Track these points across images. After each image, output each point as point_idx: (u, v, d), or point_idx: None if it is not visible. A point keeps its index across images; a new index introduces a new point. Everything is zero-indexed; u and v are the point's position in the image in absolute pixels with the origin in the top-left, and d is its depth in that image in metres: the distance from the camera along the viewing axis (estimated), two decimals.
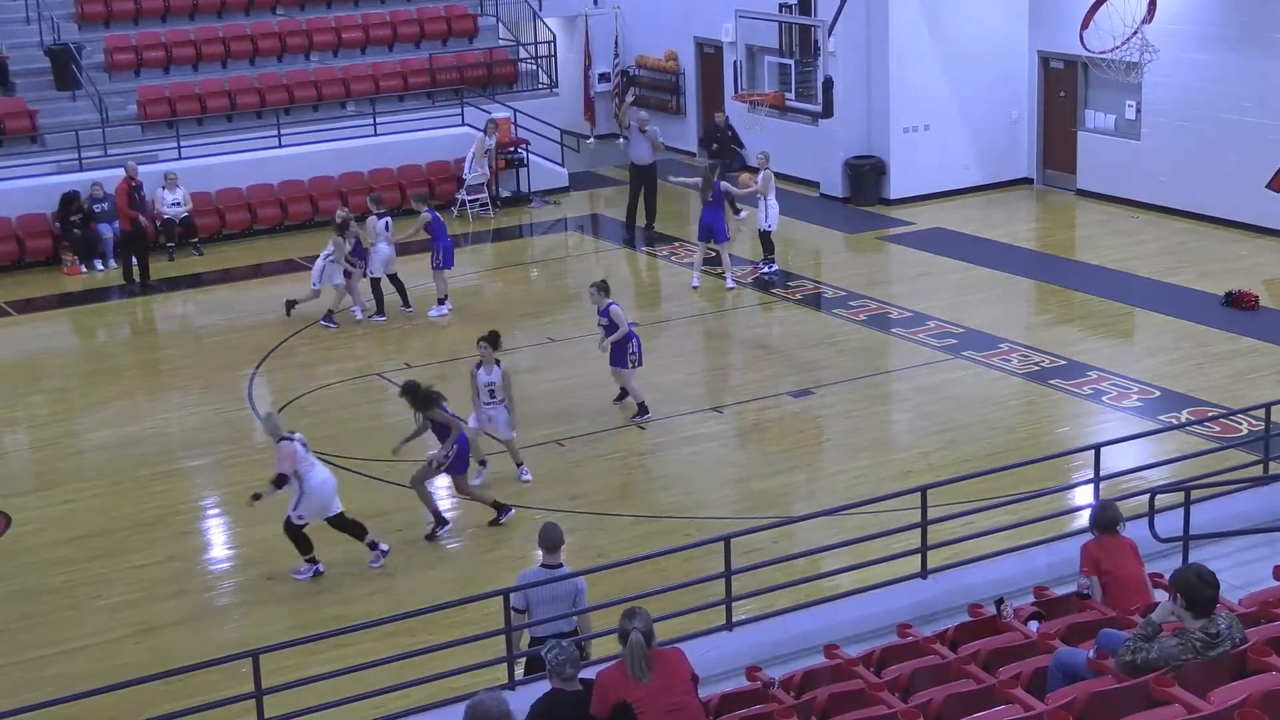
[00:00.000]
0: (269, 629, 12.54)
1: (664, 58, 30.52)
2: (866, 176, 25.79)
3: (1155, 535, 11.70)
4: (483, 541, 14.25)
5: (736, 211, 24.54)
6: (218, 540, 14.74)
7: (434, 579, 13.53)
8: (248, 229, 25.31)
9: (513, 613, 10.67)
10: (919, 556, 11.85)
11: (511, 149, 27.01)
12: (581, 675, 8.55)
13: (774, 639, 11.12)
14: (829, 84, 23.34)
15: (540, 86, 29.28)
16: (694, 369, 18.87)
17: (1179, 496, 12.20)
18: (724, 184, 21.29)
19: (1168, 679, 8.25)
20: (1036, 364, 18.02)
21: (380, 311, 20.60)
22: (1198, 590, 8.49)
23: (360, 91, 27.51)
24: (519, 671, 10.75)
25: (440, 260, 20.50)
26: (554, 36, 29.99)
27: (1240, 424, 15.51)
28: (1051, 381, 17.47)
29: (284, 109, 26.58)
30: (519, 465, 15.41)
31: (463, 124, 27.24)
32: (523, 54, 29.65)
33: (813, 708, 8.95)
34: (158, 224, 23.99)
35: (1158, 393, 16.94)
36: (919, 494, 11.91)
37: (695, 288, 21.40)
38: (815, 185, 26.44)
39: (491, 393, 15.01)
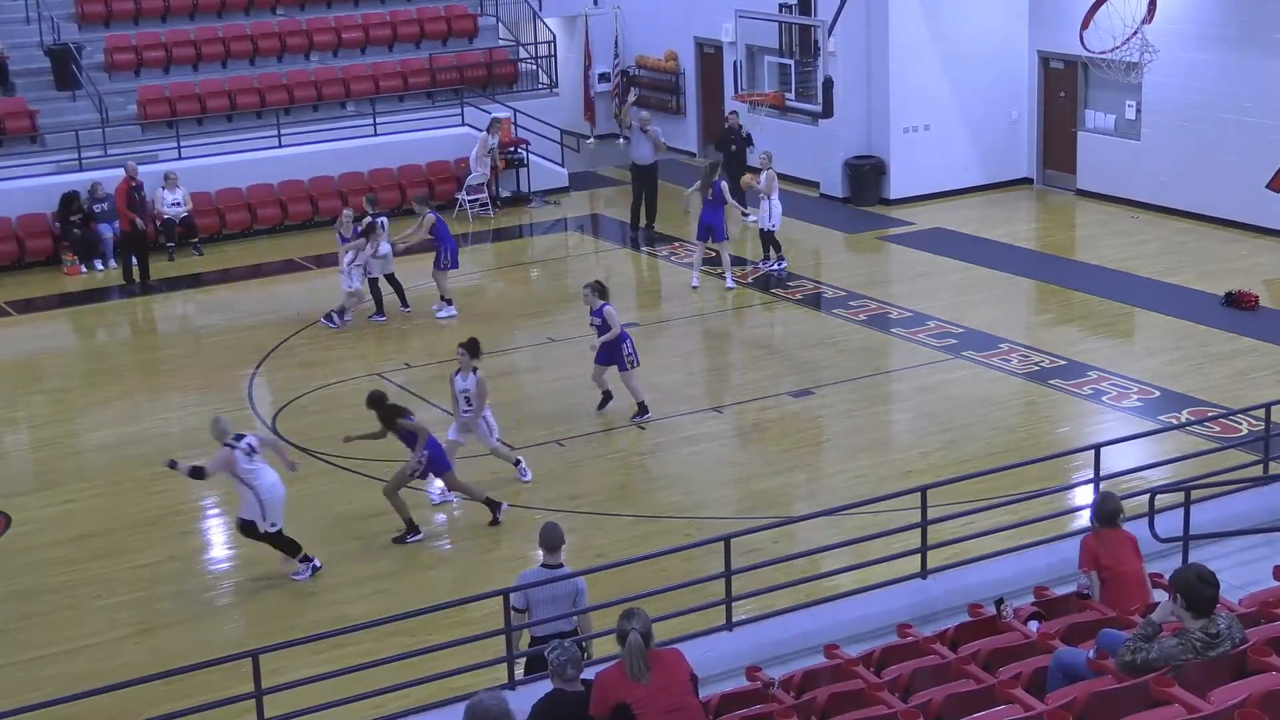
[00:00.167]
0: (269, 629, 12.54)
1: (664, 58, 30.53)
2: (866, 176, 25.80)
3: (1155, 535, 11.70)
4: (483, 541, 14.25)
5: (745, 214, 24.55)
6: (218, 540, 14.74)
7: (434, 579, 13.53)
8: (248, 229, 25.31)
9: (513, 612, 10.67)
10: (919, 556, 11.85)
11: (511, 149, 27.01)
12: (583, 675, 8.55)
13: (774, 639, 11.12)
14: (829, 84, 23.34)
15: (540, 86, 29.29)
16: (694, 369, 18.87)
17: (1179, 496, 12.20)
18: (723, 184, 21.27)
19: (1168, 679, 8.25)
20: (1036, 364, 18.02)
21: (380, 312, 20.59)
22: (1198, 590, 8.49)
23: (360, 91, 27.51)
24: (519, 671, 10.75)
25: (448, 260, 20.49)
26: (554, 36, 30.00)
27: (1240, 424, 15.51)
28: (1051, 381, 17.47)
29: (284, 109, 26.59)
30: (517, 465, 15.38)
31: (463, 124, 27.25)
32: (523, 54, 29.66)
33: (813, 708, 8.95)
34: (158, 224, 24.00)
35: (1158, 393, 16.94)
36: (919, 494, 11.91)
37: (695, 288, 21.41)
38: (815, 185, 26.44)
39: (468, 400, 14.90)
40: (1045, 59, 25.82)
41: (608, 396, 16.87)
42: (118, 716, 11.00)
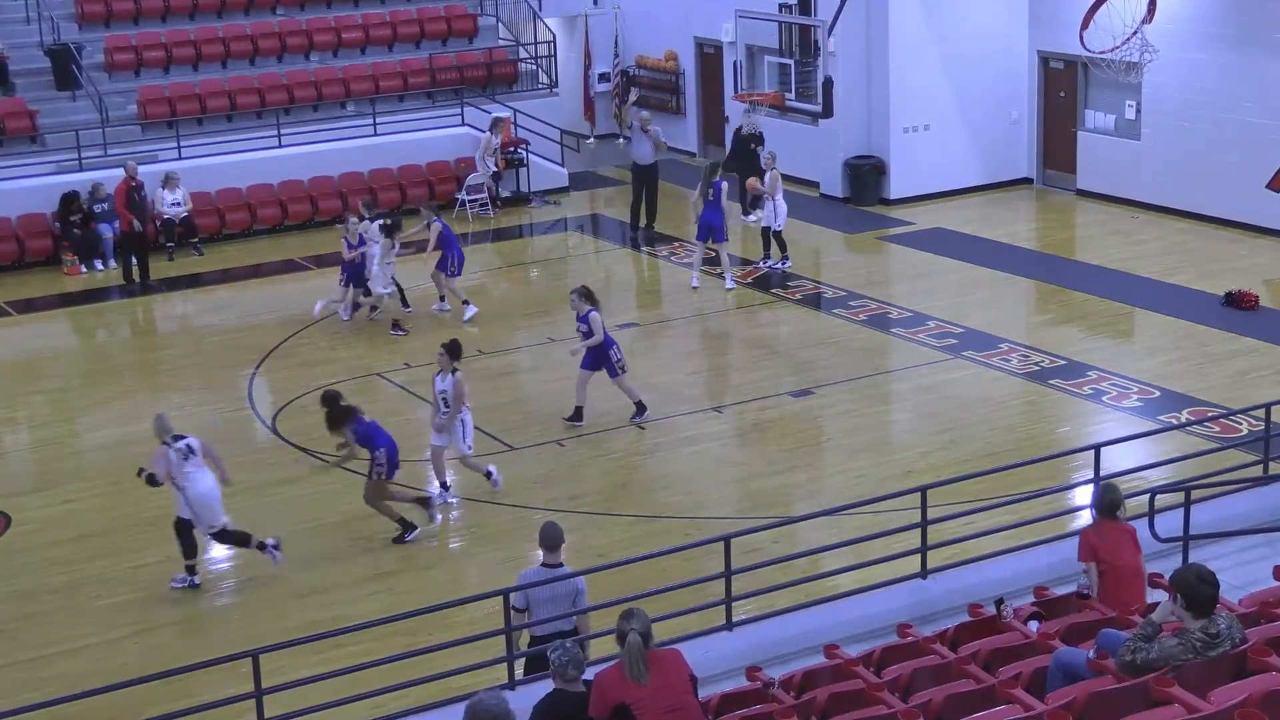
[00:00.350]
0: (269, 629, 12.54)
1: (664, 58, 30.53)
2: (866, 176, 25.80)
3: (1155, 535, 11.69)
4: (483, 541, 14.25)
5: (746, 213, 24.55)
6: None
7: (434, 579, 13.53)
8: (248, 229, 25.31)
9: (513, 612, 10.66)
10: (919, 556, 11.86)
11: (511, 149, 27.00)
12: (585, 676, 8.55)
13: (774, 639, 11.12)
14: (829, 84, 23.33)
15: (540, 86, 29.29)
16: (694, 369, 18.87)
17: (1179, 496, 12.19)
18: (723, 184, 21.24)
19: (1168, 679, 8.25)
20: (1036, 364, 18.02)
21: (374, 310, 20.53)
22: (1198, 590, 8.49)
23: (360, 91, 27.51)
24: (519, 671, 10.75)
25: (455, 267, 20.40)
26: (554, 36, 29.99)
27: (1240, 424, 15.51)
28: (1051, 381, 17.47)
29: (284, 109, 26.59)
30: (488, 476, 15.01)
31: (463, 124, 27.25)
32: (523, 54, 29.65)
33: (813, 708, 8.95)
34: (158, 224, 24.00)
35: (1158, 393, 16.94)
36: (919, 494, 11.91)
37: (695, 288, 21.40)
38: (815, 185, 26.44)
39: (445, 401, 14.75)
40: (1045, 59, 25.82)
41: (579, 412, 16.61)
42: (118, 716, 11.00)
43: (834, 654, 9.76)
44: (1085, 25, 22.64)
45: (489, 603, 11.61)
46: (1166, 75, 23.06)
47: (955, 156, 25.92)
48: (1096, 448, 12.92)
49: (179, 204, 24.20)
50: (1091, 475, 12.83)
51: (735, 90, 25.54)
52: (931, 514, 11.89)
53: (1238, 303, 19.59)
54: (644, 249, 24.17)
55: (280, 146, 25.77)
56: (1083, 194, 25.42)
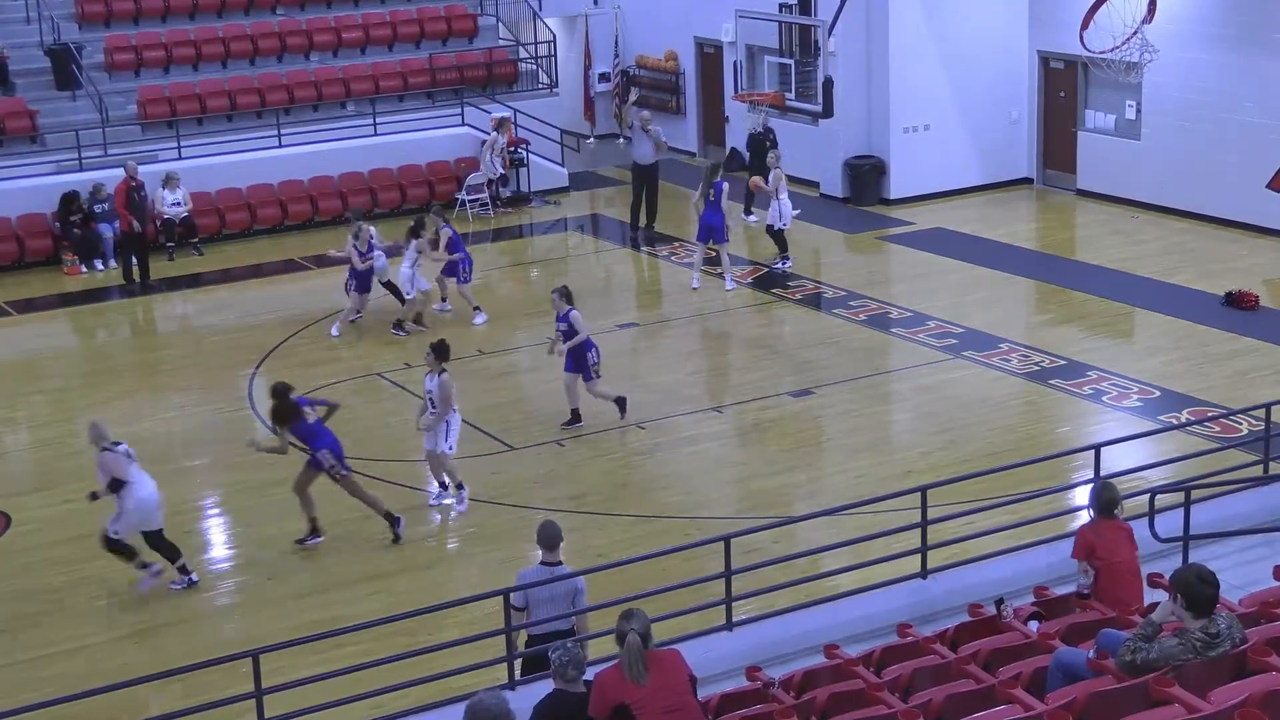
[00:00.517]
0: (269, 629, 12.54)
1: (664, 58, 30.53)
2: (866, 176, 25.80)
3: (1155, 535, 11.70)
4: (483, 541, 14.25)
5: (748, 213, 24.53)
6: (218, 540, 14.75)
7: (434, 579, 13.53)
8: (248, 229, 25.31)
9: (512, 611, 10.65)
10: (919, 556, 11.86)
11: (512, 149, 27.00)
12: (585, 676, 8.55)
13: (774, 639, 11.12)
14: (829, 84, 23.34)
15: (540, 86, 29.29)
16: (694, 369, 18.87)
17: (1179, 496, 12.20)
18: (724, 185, 21.22)
19: (1168, 679, 8.25)
20: (1036, 364, 18.02)
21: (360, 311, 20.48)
22: (1198, 590, 8.49)
23: (360, 91, 27.52)
24: (517, 672, 10.74)
25: (467, 273, 20.27)
26: (554, 36, 30.00)
27: (1240, 424, 15.51)
28: (1051, 381, 17.47)
29: (284, 109, 26.59)
30: (458, 488, 14.77)
31: (463, 124, 27.26)
32: (523, 54, 29.66)
33: (813, 708, 8.95)
34: (158, 224, 24.01)
35: (1158, 393, 16.94)
36: (919, 494, 11.91)
37: (695, 288, 21.40)
38: (815, 185, 26.43)
39: (432, 402, 14.70)
40: (1045, 59, 25.82)
41: (575, 414, 16.59)
42: (118, 716, 11.00)
43: (834, 654, 9.76)
44: (1085, 25, 22.65)
45: (489, 603, 11.61)
46: (1167, 75, 23.06)
47: (955, 156, 25.92)
48: (1097, 448, 12.93)
49: (179, 204, 24.20)
50: (1092, 475, 12.83)
51: (735, 90, 25.56)
52: (931, 514, 11.89)
53: (1238, 303, 19.59)
54: (644, 249, 24.17)
55: (280, 146, 25.77)
56: (1083, 194, 25.42)
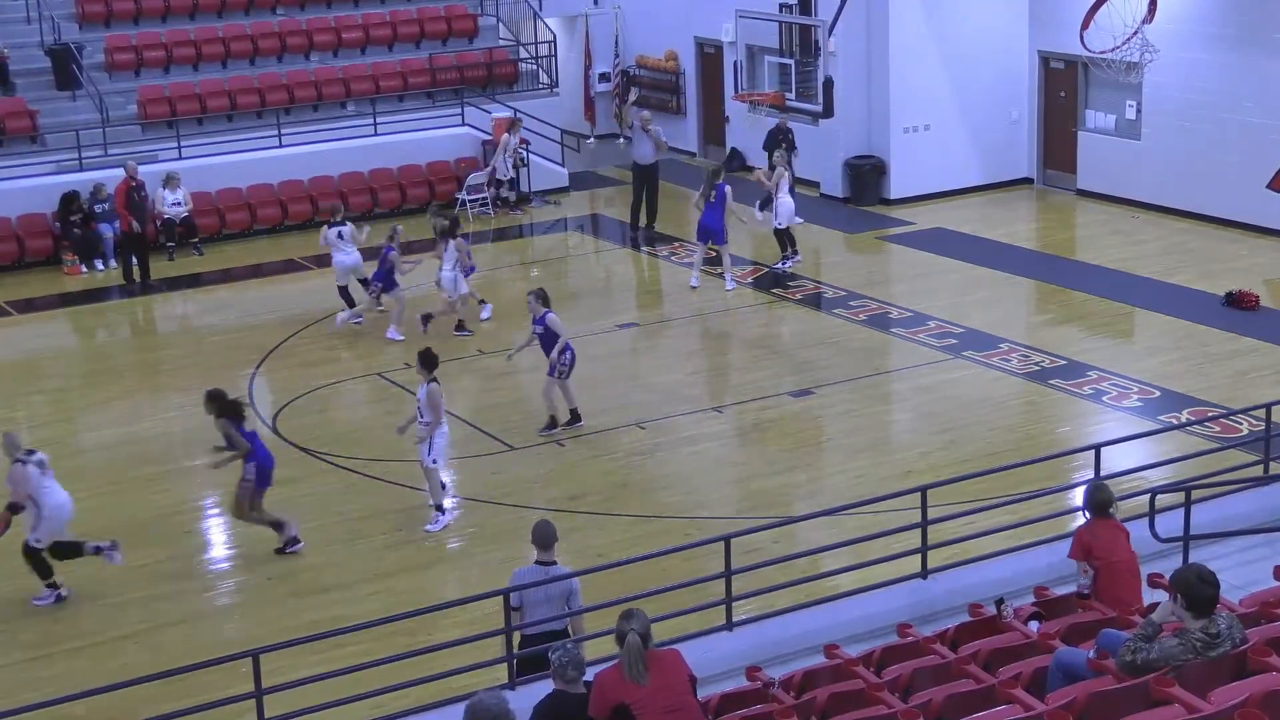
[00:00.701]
0: (269, 629, 12.54)
1: (664, 58, 30.53)
2: (867, 176, 25.80)
3: (1156, 535, 11.70)
4: (483, 541, 14.24)
5: (746, 219, 24.49)
6: (218, 540, 14.74)
7: (433, 579, 13.53)
8: (248, 229, 25.31)
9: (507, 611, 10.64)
10: (919, 556, 11.85)
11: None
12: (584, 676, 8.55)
13: (774, 639, 11.11)
14: (829, 84, 23.33)
15: (540, 86, 29.30)
16: (694, 369, 18.87)
17: (1179, 496, 12.19)
18: (726, 188, 21.17)
19: (1168, 679, 8.24)
20: (1037, 364, 18.01)
21: (357, 313, 20.40)
22: (1198, 590, 8.48)
23: (360, 91, 27.52)
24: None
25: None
26: (554, 36, 30.00)
27: (1240, 424, 15.51)
28: (1052, 381, 17.47)
29: (284, 109, 26.59)
30: (436, 509, 14.49)
31: (463, 124, 27.26)
32: (523, 54, 29.67)
33: (813, 708, 8.95)
34: (158, 224, 24.01)
35: (1158, 393, 16.94)
36: (919, 494, 11.91)
37: (695, 288, 21.40)
38: (815, 185, 26.43)
39: (420, 412, 14.52)
40: (1045, 59, 25.82)
41: (574, 414, 16.52)
42: (118, 716, 11.00)
43: (834, 654, 9.76)
44: (1085, 25, 22.64)
45: (488, 603, 11.61)
46: (1167, 75, 23.06)
47: (955, 156, 25.92)
48: (1097, 448, 12.93)
49: (179, 204, 24.20)
50: (1092, 475, 12.82)
51: (735, 90, 25.55)
52: (932, 514, 11.88)
53: (1238, 303, 19.58)
54: (644, 249, 24.17)
55: (280, 146, 25.78)
56: (1083, 194, 25.42)
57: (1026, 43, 25.89)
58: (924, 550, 11.83)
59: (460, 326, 19.73)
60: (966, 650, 9.45)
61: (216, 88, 26.76)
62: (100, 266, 23.77)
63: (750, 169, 25.88)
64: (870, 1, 25.13)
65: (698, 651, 10.02)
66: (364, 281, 20.41)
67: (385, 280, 19.91)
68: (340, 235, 20.32)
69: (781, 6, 26.71)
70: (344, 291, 20.48)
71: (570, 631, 10.59)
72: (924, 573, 11.80)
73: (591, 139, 31.10)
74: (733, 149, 28.83)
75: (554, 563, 10.74)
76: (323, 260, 23.02)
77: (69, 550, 13.36)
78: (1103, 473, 12.82)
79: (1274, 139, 22.45)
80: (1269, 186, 22.59)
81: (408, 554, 13.98)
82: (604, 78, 31.57)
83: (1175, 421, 15.99)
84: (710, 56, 29.63)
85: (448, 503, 14.73)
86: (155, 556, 14.05)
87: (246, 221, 25.30)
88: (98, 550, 13.37)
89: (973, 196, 25.86)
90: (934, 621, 10.95)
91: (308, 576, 13.63)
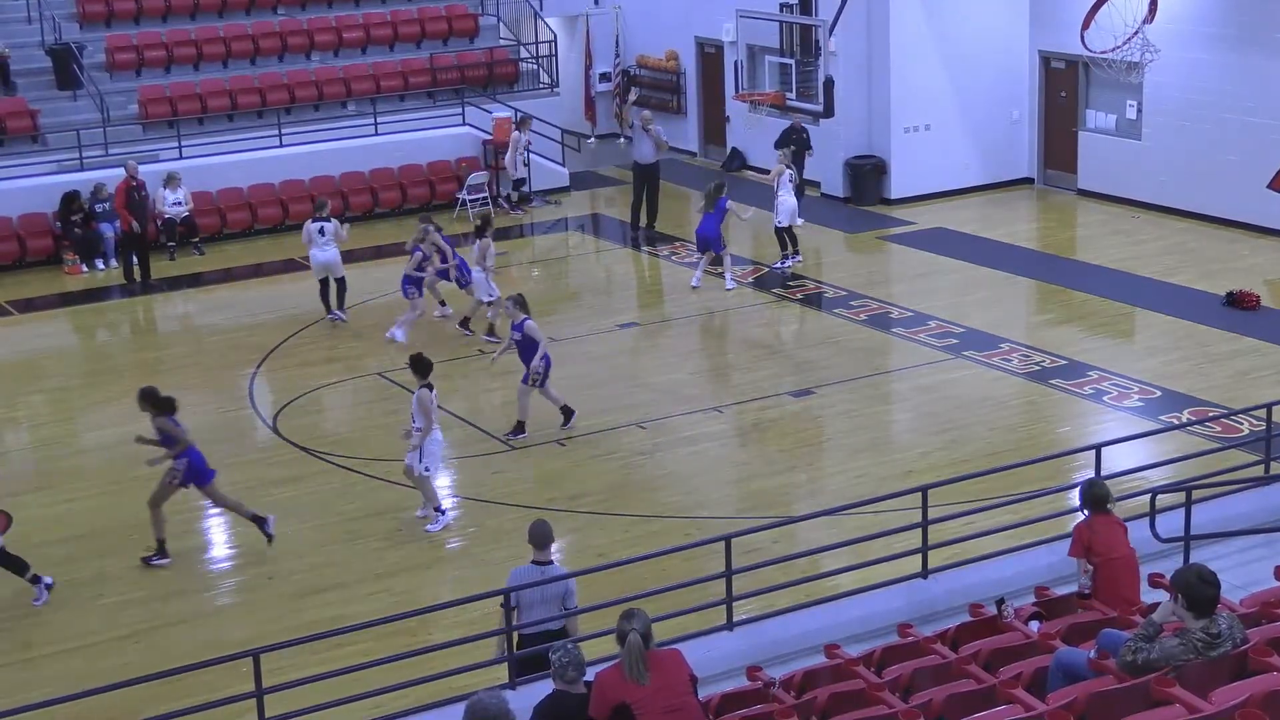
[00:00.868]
0: (269, 629, 12.53)
1: (665, 57, 30.52)
2: (867, 176, 25.79)
3: (1156, 535, 11.69)
4: (483, 541, 14.24)
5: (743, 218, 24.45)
6: (218, 540, 14.73)
7: (433, 579, 13.53)
8: (249, 229, 25.31)
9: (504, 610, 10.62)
10: (920, 556, 11.84)
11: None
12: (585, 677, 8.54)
13: (774, 639, 11.11)
14: (830, 84, 23.33)
15: (541, 86, 29.29)
16: (694, 369, 18.86)
17: (1180, 496, 12.18)
18: (728, 202, 21.10)
19: (1169, 679, 8.24)
20: (1037, 364, 18.01)
21: (334, 312, 20.39)
22: (1199, 590, 8.48)
23: (361, 91, 27.51)
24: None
25: (465, 278, 20.02)
26: (555, 36, 30.00)
27: (1241, 424, 15.50)
28: (1052, 381, 17.46)
29: (285, 109, 26.59)
30: (436, 511, 14.38)
31: (464, 124, 27.26)
32: (523, 54, 29.67)
33: (813, 708, 8.94)
34: (159, 223, 24.01)
35: (1159, 393, 16.93)
36: (920, 494, 11.90)
37: (695, 287, 21.39)
38: (816, 185, 26.41)
39: (413, 417, 14.52)
40: (1046, 59, 25.81)
41: (565, 412, 16.49)
42: (118, 717, 11.00)
43: (834, 654, 9.75)
44: (1086, 25, 22.63)
45: (488, 603, 11.61)
46: (1167, 75, 23.05)
47: (956, 156, 25.91)
48: (1097, 448, 12.91)
49: (180, 203, 24.20)
50: (1093, 475, 12.80)
51: (736, 90, 25.55)
52: (932, 514, 11.88)
53: (1239, 303, 19.58)
54: (644, 249, 24.16)
55: (281, 146, 25.79)
56: (1084, 194, 25.41)
57: (1027, 43, 25.88)
58: (924, 550, 11.83)
59: (464, 323, 19.71)
60: (967, 650, 9.45)
61: (217, 87, 26.76)
62: (101, 266, 23.77)
63: (746, 169, 25.84)
64: (871, 1, 25.13)
65: (698, 651, 10.03)
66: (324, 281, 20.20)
67: (418, 282, 19.61)
68: (321, 231, 20.22)
69: (782, 6, 26.70)
70: (324, 288, 20.35)
71: (567, 631, 10.58)
72: (924, 573, 11.79)
73: (592, 139, 31.10)
74: (733, 149, 28.83)
75: (550, 562, 10.74)
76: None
77: (12, 565, 13.27)
78: (1103, 472, 12.80)
79: (1274, 139, 22.44)
80: (1269, 186, 22.58)
81: (408, 554, 13.98)
82: (604, 77, 31.56)
83: (1176, 421, 15.99)
84: (711, 56, 29.62)
85: (446, 503, 14.74)
86: None
87: (247, 221, 25.30)
88: (35, 580, 13.25)
89: (973, 196, 25.85)
90: (934, 621, 10.95)
91: (308, 577, 13.62)
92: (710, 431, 16.52)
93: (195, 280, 23.32)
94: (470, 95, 27.89)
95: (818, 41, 24.83)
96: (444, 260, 19.74)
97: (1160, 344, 18.73)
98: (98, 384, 19.12)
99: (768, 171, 23.62)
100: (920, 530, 11.84)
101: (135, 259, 23.05)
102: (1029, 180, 26.50)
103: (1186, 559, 11.54)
